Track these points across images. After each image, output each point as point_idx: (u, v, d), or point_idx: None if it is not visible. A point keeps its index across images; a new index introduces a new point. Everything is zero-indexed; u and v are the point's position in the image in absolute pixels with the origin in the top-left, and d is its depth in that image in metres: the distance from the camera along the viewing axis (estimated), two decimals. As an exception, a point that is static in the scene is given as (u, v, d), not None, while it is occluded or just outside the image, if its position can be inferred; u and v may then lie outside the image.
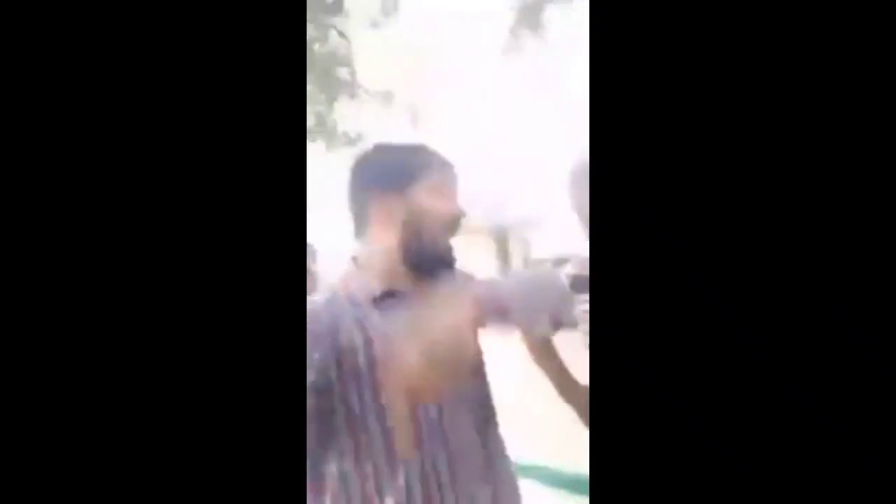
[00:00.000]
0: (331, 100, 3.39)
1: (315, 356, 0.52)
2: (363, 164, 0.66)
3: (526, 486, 0.69)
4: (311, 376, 0.51)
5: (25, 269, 0.29)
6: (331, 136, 3.45)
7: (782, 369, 0.30)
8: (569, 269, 1.00)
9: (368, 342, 0.56)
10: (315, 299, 0.58)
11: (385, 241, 0.64)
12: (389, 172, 0.66)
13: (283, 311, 0.33)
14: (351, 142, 3.48)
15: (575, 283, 0.85)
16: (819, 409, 0.29)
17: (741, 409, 0.30)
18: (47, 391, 0.29)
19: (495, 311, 0.65)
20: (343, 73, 3.47)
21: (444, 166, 0.68)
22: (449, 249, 0.65)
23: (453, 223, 0.65)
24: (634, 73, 0.33)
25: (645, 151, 0.33)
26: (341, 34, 3.41)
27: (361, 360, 0.56)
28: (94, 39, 0.31)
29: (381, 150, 0.68)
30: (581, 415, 0.71)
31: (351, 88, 3.60)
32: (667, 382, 0.31)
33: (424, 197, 0.64)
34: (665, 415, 0.31)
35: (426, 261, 0.64)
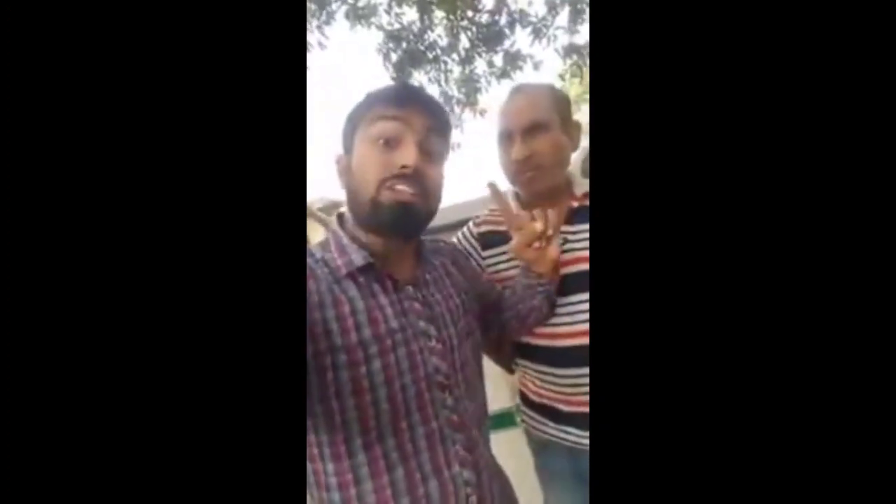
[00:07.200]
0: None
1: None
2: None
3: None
4: None
5: (21, 261, 0.28)
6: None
7: (782, 371, 0.29)
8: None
9: (342, 315, 0.52)
10: None
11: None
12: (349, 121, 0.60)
13: (283, 295, 0.32)
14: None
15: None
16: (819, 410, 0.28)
17: (742, 409, 0.29)
18: (45, 382, 0.28)
19: None
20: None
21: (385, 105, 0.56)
22: (392, 207, 0.54)
23: (399, 174, 0.53)
24: (634, 71, 0.32)
25: (644, 151, 0.32)
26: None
27: (335, 332, 0.51)
28: (82, 22, 0.30)
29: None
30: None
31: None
32: (667, 384, 0.31)
33: (362, 146, 0.56)
34: (665, 416, 0.31)
35: (367, 219, 0.56)
